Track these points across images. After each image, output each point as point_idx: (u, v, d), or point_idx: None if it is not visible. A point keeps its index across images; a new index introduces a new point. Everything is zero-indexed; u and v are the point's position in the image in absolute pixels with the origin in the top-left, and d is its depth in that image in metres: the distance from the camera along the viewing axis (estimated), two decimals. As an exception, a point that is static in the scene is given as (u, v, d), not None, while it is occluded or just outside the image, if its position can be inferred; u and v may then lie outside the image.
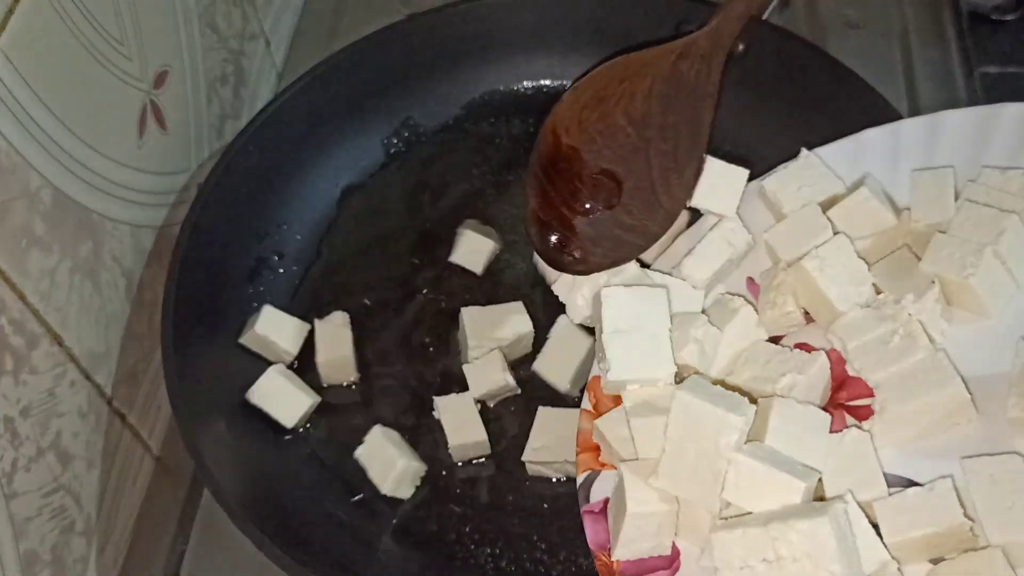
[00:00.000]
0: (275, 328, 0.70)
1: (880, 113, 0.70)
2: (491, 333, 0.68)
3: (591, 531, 0.56)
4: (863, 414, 0.56)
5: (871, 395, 0.56)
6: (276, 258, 0.75)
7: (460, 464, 0.67)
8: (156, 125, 0.72)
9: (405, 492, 0.65)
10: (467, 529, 0.65)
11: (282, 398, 0.67)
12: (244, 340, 0.70)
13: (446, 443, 0.66)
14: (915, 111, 0.83)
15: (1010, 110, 0.61)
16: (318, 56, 0.79)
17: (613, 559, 0.55)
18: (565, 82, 0.83)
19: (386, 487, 0.65)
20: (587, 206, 0.62)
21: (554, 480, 0.66)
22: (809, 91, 0.74)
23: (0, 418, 0.55)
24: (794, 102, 0.75)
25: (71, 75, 0.62)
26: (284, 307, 0.71)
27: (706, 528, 0.53)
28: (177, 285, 0.67)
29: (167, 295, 0.66)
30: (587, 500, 0.57)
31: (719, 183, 0.63)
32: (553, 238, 0.62)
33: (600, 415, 0.58)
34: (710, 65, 0.63)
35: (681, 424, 0.52)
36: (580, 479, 0.58)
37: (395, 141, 0.81)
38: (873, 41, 0.88)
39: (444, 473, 0.67)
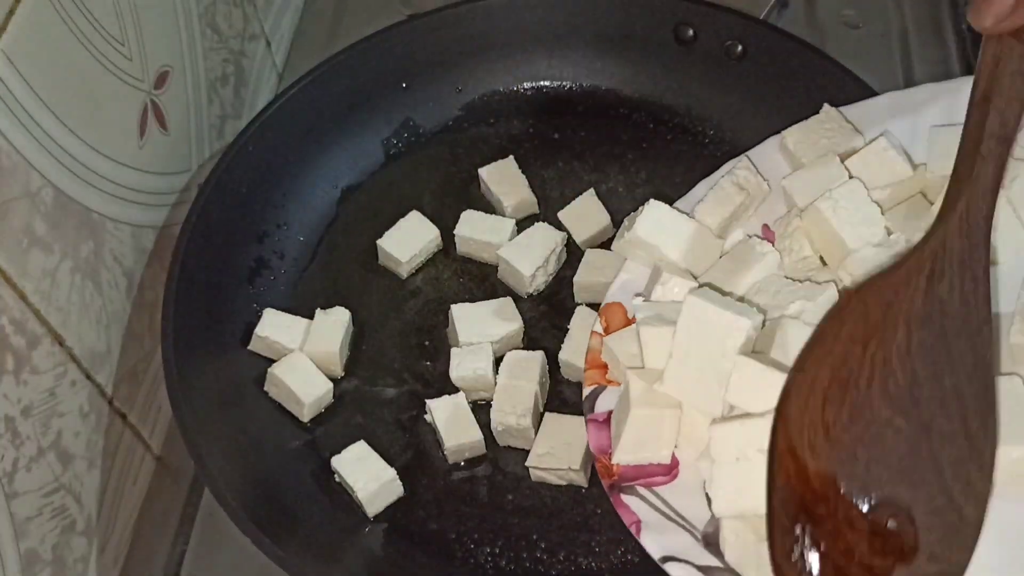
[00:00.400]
0: (276, 328, 0.70)
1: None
2: (481, 329, 0.69)
3: (594, 437, 0.59)
4: None
5: None
6: (276, 258, 0.75)
7: (461, 464, 0.67)
8: (157, 125, 0.72)
9: (378, 507, 0.65)
10: (467, 528, 0.65)
11: (304, 379, 0.68)
12: (252, 346, 0.70)
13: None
14: (915, 111, 0.83)
15: None
16: (318, 56, 0.79)
17: (613, 462, 0.57)
18: (565, 82, 0.83)
19: (363, 504, 0.65)
20: (868, 560, 0.41)
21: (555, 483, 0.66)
22: (808, 92, 0.74)
23: (1, 418, 0.55)
24: (793, 103, 0.75)
25: (72, 75, 0.62)
26: (284, 307, 0.71)
27: (707, 439, 0.54)
28: (177, 285, 0.67)
29: (167, 295, 0.67)
30: (591, 411, 0.60)
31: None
32: None
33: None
34: (975, 275, 0.45)
35: (690, 327, 0.54)
36: (586, 392, 0.61)
37: (395, 142, 0.81)
38: (872, 41, 0.88)
39: (443, 473, 0.67)
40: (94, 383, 0.65)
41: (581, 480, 0.65)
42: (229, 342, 0.71)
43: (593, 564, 0.63)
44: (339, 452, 0.66)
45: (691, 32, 0.79)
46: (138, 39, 0.69)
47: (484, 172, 0.77)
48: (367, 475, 0.64)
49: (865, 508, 0.41)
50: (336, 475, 0.66)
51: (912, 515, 0.41)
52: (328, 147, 0.79)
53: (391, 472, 0.65)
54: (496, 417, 0.66)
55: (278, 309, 0.71)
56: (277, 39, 0.93)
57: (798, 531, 0.42)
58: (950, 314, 0.45)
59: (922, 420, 0.43)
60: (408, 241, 0.74)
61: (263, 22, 0.90)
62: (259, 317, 0.71)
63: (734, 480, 0.50)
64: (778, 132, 0.71)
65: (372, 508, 0.65)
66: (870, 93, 0.71)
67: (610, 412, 0.59)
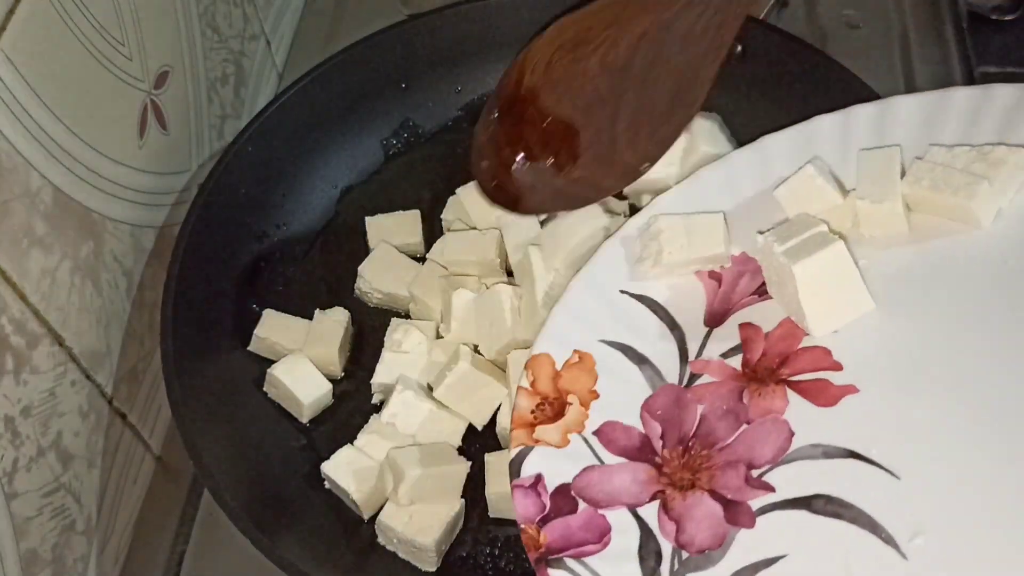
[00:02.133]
0: (276, 329, 0.70)
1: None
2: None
3: (520, 505, 0.55)
4: (810, 391, 0.56)
5: (826, 367, 0.56)
6: (276, 258, 0.75)
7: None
8: (157, 125, 0.72)
9: (374, 508, 0.65)
10: (466, 528, 0.65)
11: (303, 379, 0.68)
12: (252, 347, 0.70)
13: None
14: (914, 111, 0.83)
15: (960, 94, 0.61)
16: (318, 56, 0.79)
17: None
18: (565, 82, 0.83)
19: (359, 506, 0.64)
20: (531, 151, 0.59)
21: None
22: (808, 92, 0.74)
23: (1, 418, 0.55)
24: (793, 103, 0.75)
25: (72, 75, 0.62)
26: (283, 307, 0.71)
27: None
28: (177, 285, 0.67)
29: (167, 295, 0.66)
30: (517, 475, 0.56)
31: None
32: (494, 176, 0.60)
33: (538, 392, 0.59)
34: (725, 18, 0.57)
35: None
36: (512, 454, 0.57)
37: (394, 142, 0.81)
38: (873, 41, 0.88)
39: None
40: (94, 383, 0.65)
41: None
42: (229, 342, 0.71)
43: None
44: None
45: (691, 32, 0.79)
46: (138, 39, 0.69)
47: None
48: (359, 478, 0.64)
49: (546, 117, 0.57)
50: (327, 481, 0.65)
51: (580, 138, 0.57)
52: (328, 147, 0.79)
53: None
54: (502, 421, 0.65)
55: (278, 309, 0.71)
56: (277, 39, 0.93)
57: (495, 115, 0.59)
58: (687, 34, 0.56)
59: (620, 87, 0.57)
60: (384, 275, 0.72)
61: (263, 22, 0.90)
62: (259, 317, 0.71)
63: None
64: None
65: (368, 510, 0.64)
66: (870, 93, 0.71)
67: (537, 476, 0.56)
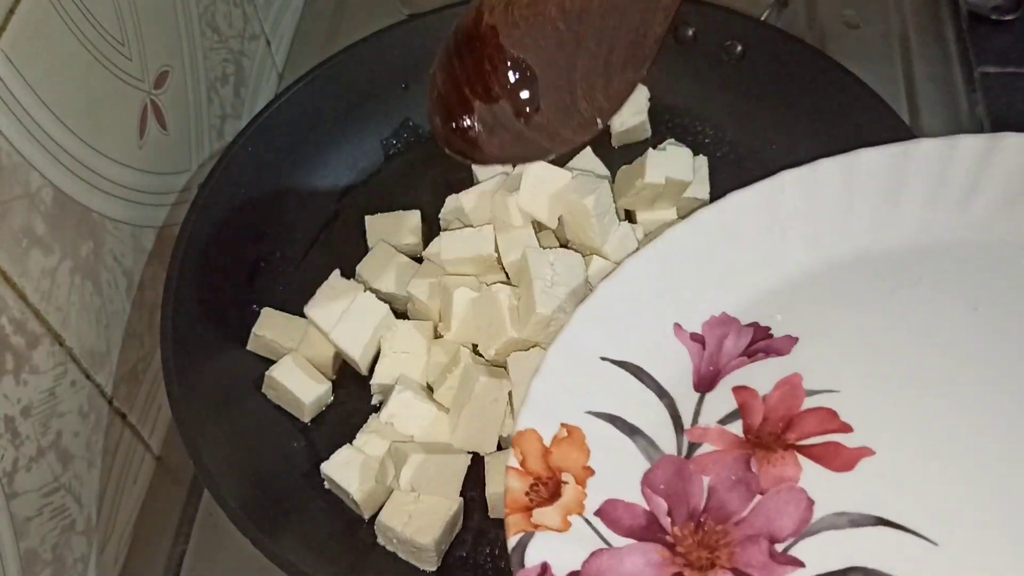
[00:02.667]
0: (274, 328, 0.70)
1: (879, 114, 0.71)
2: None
3: None
4: (824, 455, 0.54)
5: (834, 429, 0.55)
6: (276, 258, 0.75)
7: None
8: (157, 125, 0.72)
9: (374, 507, 0.65)
10: (465, 527, 0.65)
11: (303, 379, 0.68)
12: (250, 346, 0.70)
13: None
14: (915, 111, 0.83)
15: (926, 146, 0.61)
16: (318, 56, 0.79)
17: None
18: (565, 82, 0.83)
19: (359, 505, 0.64)
20: (491, 91, 0.56)
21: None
22: (808, 93, 0.74)
23: (1, 418, 0.55)
24: (793, 104, 0.75)
25: (72, 75, 0.62)
26: (283, 307, 0.71)
27: None
28: (177, 285, 0.67)
29: (167, 295, 0.66)
30: (522, 564, 0.52)
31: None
32: (451, 119, 0.57)
33: (529, 472, 0.55)
34: None
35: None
36: (512, 542, 0.53)
37: (394, 142, 0.81)
38: (872, 42, 0.88)
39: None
40: (94, 383, 0.65)
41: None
42: (229, 342, 0.71)
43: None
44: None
45: (691, 32, 0.79)
46: (138, 39, 0.69)
47: (478, 170, 0.77)
48: (360, 477, 0.64)
49: (506, 56, 0.55)
50: (326, 482, 0.65)
51: (539, 82, 0.55)
52: (328, 147, 0.79)
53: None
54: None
55: (278, 309, 0.71)
56: (277, 39, 0.93)
57: (453, 55, 0.56)
58: None
59: (578, 33, 0.56)
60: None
61: (263, 22, 0.90)
62: (258, 317, 0.71)
63: None
64: (777, 133, 0.71)
65: (368, 510, 0.64)
66: (870, 93, 0.71)
67: (544, 565, 0.51)
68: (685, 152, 0.73)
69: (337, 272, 0.71)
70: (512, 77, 0.55)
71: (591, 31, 0.56)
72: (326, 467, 0.64)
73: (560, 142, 0.59)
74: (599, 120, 0.58)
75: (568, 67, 0.56)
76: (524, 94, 0.56)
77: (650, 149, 0.71)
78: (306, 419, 0.69)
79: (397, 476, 0.62)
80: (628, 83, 0.59)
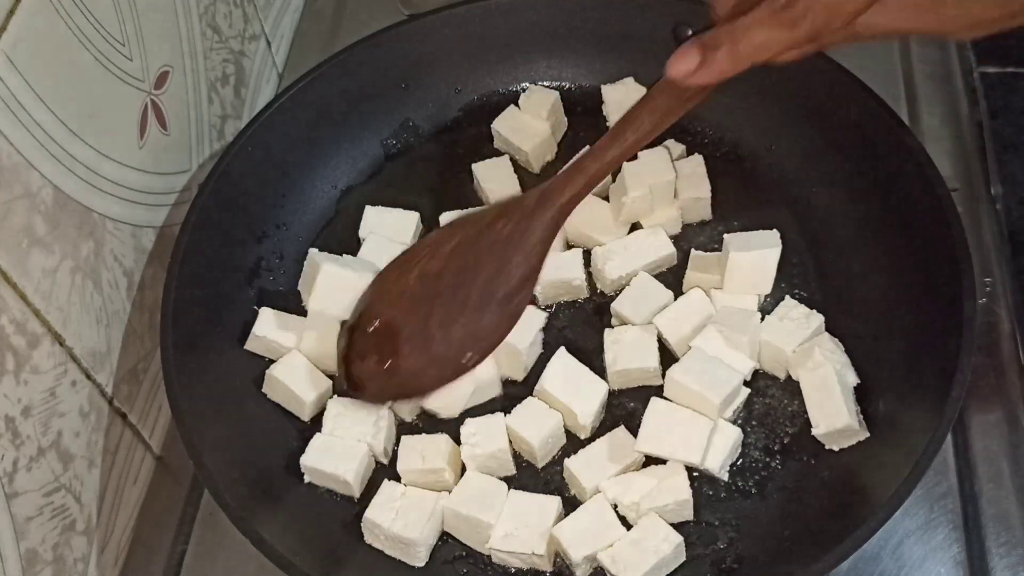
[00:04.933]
0: (273, 328, 0.70)
1: (879, 114, 0.71)
2: None
3: None
4: None
5: None
6: (276, 258, 0.76)
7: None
8: (157, 125, 0.72)
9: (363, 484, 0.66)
10: (466, 529, 0.65)
11: (303, 378, 0.68)
12: (248, 346, 0.70)
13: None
14: (914, 111, 0.83)
15: None
16: (318, 56, 0.79)
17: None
18: (564, 83, 0.83)
19: (351, 485, 0.65)
20: (364, 352, 0.66)
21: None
22: (808, 93, 0.74)
23: (1, 417, 0.55)
24: (793, 105, 0.75)
25: (72, 75, 0.62)
26: (283, 307, 0.71)
27: None
28: (177, 285, 0.67)
29: (167, 295, 0.67)
30: None
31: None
32: (345, 373, 0.66)
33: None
34: (531, 222, 0.64)
35: None
36: None
37: (394, 142, 0.81)
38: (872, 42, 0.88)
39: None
40: (94, 383, 0.65)
41: (544, 565, 0.62)
42: (229, 342, 0.71)
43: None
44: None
45: (691, 32, 0.78)
46: (138, 39, 0.69)
47: (477, 168, 0.77)
48: (345, 458, 0.64)
49: (376, 322, 0.65)
50: (307, 474, 0.65)
51: (400, 335, 0.65)
52: (328, 147, 0.79)
53: (363, 447, 0.65)
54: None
55: (277, 309, 0.71)
56: (277, 39, 0.93)
57: (349, 329, 0.67)
58: (496, 239, 0.65)
59: (434, 289, 0.65)
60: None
61: (263, 22, 0.90)
62: (258, 317, 0.71)
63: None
64: (777, 134, 0.71)
65: (359, 487, 0.65)
66: (870, 93, 0.71)
67: None
68: (657, 150, 0.73)
69: (315, 250, 0.73)
70: (378, 337, 0.65)
71: (448, 285, 0.65)
72: (306, 459, 0.65)
73: (431, 380, 0.66)
74: (468, 356, 0.65)
75: (424, 318, 0.65)
76: (387, 349, 0.65)
77: (624, 163, 0.71)
78: (307, 418, 0.69)
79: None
80: (491, 322, 0.65)
